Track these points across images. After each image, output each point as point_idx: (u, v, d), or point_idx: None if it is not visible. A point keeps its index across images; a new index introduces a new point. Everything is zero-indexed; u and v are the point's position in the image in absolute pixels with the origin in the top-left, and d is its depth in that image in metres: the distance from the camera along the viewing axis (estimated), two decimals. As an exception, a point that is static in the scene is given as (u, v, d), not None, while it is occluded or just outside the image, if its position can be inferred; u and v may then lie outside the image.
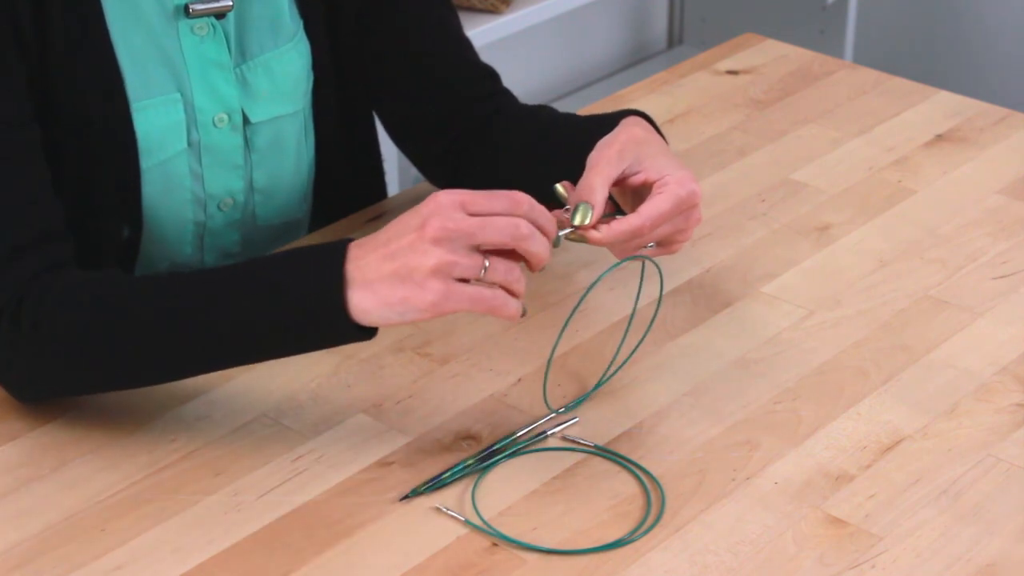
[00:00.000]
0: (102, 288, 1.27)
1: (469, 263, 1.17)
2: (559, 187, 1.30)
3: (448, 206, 1.17)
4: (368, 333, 1.21)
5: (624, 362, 1.36)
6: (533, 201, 1.19)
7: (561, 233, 1.25)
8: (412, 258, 1.16)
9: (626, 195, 1.33)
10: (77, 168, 1.37)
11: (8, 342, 1.27)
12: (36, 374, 1.29)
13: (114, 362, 1.26)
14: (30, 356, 1.27)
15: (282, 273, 1.22)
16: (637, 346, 1.38)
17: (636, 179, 1.30)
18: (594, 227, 1.25)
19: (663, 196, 1.27)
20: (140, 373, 1.28)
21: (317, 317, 1.20)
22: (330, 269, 1.19)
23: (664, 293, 1.43)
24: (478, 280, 1.18)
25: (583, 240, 1.26)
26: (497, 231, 1.17)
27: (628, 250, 1.29)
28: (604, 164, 1.28)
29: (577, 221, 1.25)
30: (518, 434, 1.29)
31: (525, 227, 1.18)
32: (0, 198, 1.30)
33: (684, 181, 1.28)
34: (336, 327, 1.20)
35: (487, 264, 1.17)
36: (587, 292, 1.32)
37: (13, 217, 1.30)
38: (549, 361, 1.33)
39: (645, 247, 1.30)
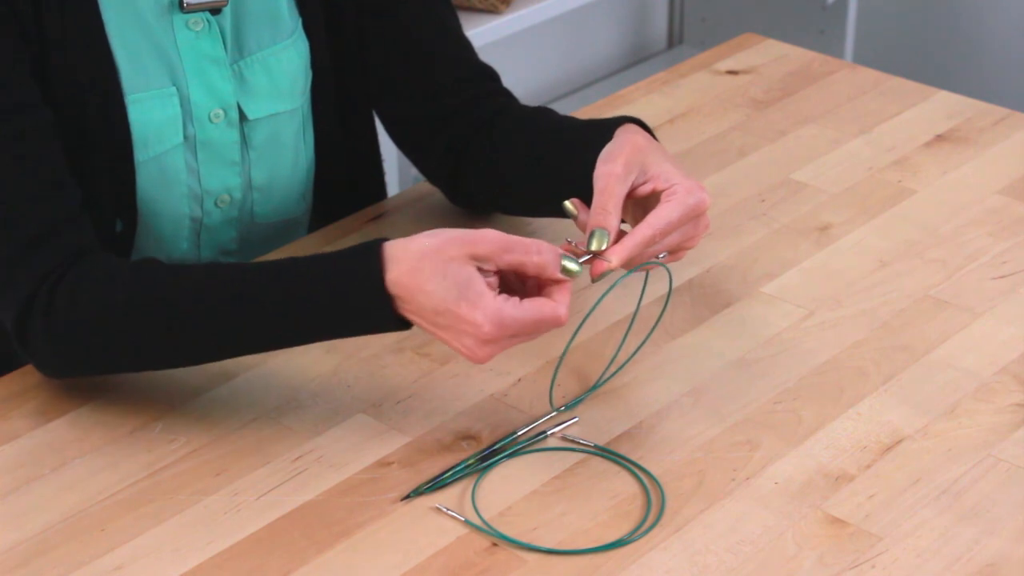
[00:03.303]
0: (144, 273, 1.29)
1: (509, 344, 1.23)
2: (569, 204, 1.30)
3: (502, 340, 1.20)
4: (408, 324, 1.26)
5: (626, 361, 1.36)
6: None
7: (576, 265, 1.26)
8: (461, 349, 1.22)
9: (628, 203, 1.32)
10: (71, 160, 1.38)
11: (45, 322, 1.28)
12: (73, 353, 1.30)
13: (152, 345, 1.29)
14: (69, 335, 1.29)
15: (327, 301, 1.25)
16: (641, 344, 1.38)
17: (644, 189, 1.30)
18: (603, 256, 1.26)
19: (671, 205, 1.27)
20: (174, 357, 1.31)
21: (368, 321, 1.26)
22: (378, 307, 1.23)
23: (654, 299, 1.43)
24: None
25: (603, 276, 1.26)
26: (538, 333, 1.23)
27: (638, 260, 1.29)
28: (614, 184, 1.28)
29: (594, 247, 1.26)
30: (518, 434, 1.29)
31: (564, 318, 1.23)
32: (26, 182, 1.31)
33: (693, 189, 1.28)
34: (384, 326, 1.26)
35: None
36: (600, 299, 1.31)
37: (41, 200, 1.31)
38: (561, 358, 1.33)
39: (657, 256, 1.29)
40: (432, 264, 1.20)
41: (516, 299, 1.20)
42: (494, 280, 1.22)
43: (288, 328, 1.27)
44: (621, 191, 1.28)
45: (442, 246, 1.21)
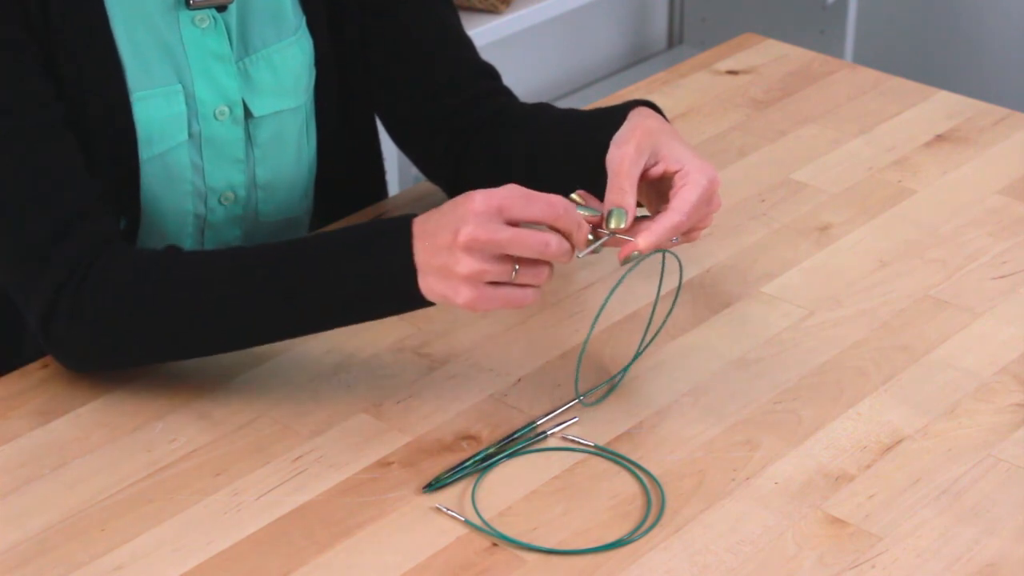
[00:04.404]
0: (171, 262, 1.31)
1: (498, 270, 1.22)
2: (575, 196, 1.30)
3: (483, 214, 1.21)
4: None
5: (638, 354, 1.36)
6: (568, 205, 1.23)
7: (593, 247, 1.26)
8: (448, 260, 1.22)
9: (642, 185, 1.32)
10: None
11: (72, 315, 1.29)
12: (101, 345, 1.32)
13: (184, 335, 1.31)
14: (97, 329, 1.30)
15: (355, 262, 1.27)
16: (653, 337, 1.38)
17: (655, 171, 1.31)
18: (631, 235, 1.26)
19: (689, 188, 1.28)
20: (208, 344, 1.32)
21: (394, 299, 1.27)
22: (402, 256, 1.24)
23: (664, 293, 1.43)
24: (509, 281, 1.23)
25: (630, 259, 1.26)
26: (526, 247, 1.22)
27: (663, 246, 1.29)
28: (628, 165, 1.29)
29: (612, 225, 1.26)
30: (518, 434, 1.29)
31: (555, 244, 1.22)
32: (47, 173, 1.32)
33: (704, 169, 1.29)
34: (410, 303, 1.27)
35: (516, 268, 1.22)
36: (612, 291, 1.32)
37: (62, 191, 1.32)
38: (584, 343, 1.35)
39: (670, 240, 1.30)
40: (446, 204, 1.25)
41: None
42: None
43: (316, 309, 1.29)
44: (635, 172, 1.29)
45: None
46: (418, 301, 1.26)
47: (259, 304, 1.29)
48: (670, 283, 1.43)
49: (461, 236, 1.20)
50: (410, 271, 1.24)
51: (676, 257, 1.34)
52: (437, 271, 1.23)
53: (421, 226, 1.25)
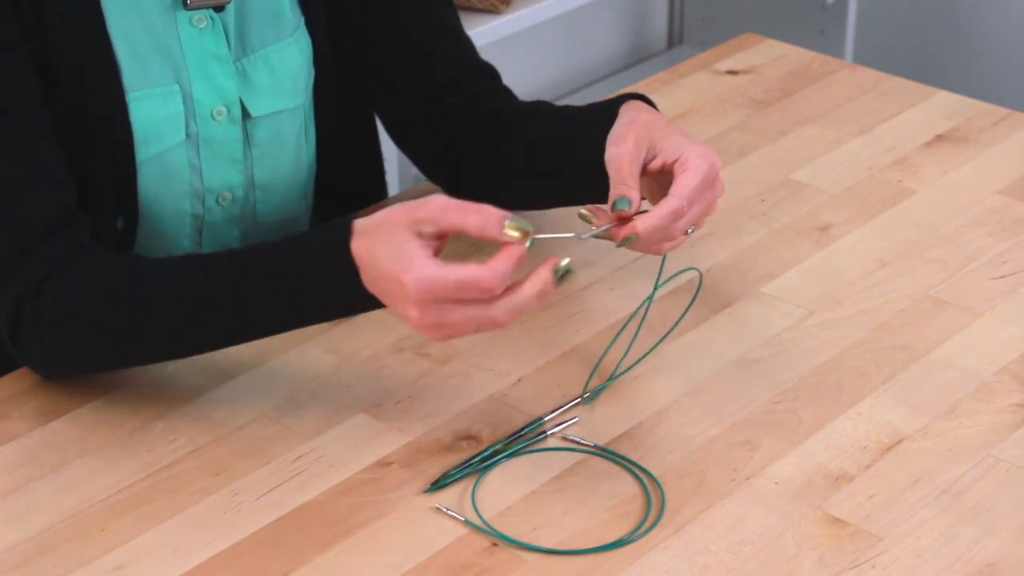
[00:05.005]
0: (124, 269, 1.30)
1: (452, 332, 1.18)
2: (584, 211, 1.30)
3: (430, 302, 1.17)
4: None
5: (646, 353, 1.36)
6: (504, 276, 1.17)
7: (595, 232, 1.26)
8: (408, 318, 1.19)
9: (643, 181, 1.32)
10: (72, 158, 1.38)
11: (34, 322, 1.29)
12: (62, 353, 1.32)
13: (134, 342, 1.30)
14: (57, 335, 1.30)
15: (300, 274, 1.25)
16: (665, 335, 1.38)
17: (654, 165, 1.31)
18: (631, 222, 1.26)
19: (690, 173, 1.28)
20: (166, 351, 1.32)
21: (338, 291, 1.24)
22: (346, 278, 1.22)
23: (664, 293, 1.43)
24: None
25: (627, 242, 1.26)
26: (473, 331, 1.18)
27: (668, 238, 1.28)
28: (628, 162, 1.29)
29: (616, 210, 1.26)
30: (523, 432, 1.29)
31: (501, 318, 1.17)
32: (23, 181, 1.32)
33: (703, 154, 1.29)
34: (356, 300, 1.24)
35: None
36: (643, 303, 1.33)
37: (38, 199, 1.32)
38: (605, 351, 1.35)
39: (685, 232, 1.29)
40: (382, 231, 1.20)
41: (444, 263, 1.18)
42: (437, 244, 1.20)
43: (264, 308, 1.27)
44: (636, 168, 1.29)
45: (390, 214, 1.20)
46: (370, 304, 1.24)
47: (200, 322, 1.28)
48: (671, 284, 1.43)
49: (419, 320, 1.17)
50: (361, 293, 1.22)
51: (699, 272, 1.34)
52: (390, 296, 1.20)
53: (366, 269, 1.21)
